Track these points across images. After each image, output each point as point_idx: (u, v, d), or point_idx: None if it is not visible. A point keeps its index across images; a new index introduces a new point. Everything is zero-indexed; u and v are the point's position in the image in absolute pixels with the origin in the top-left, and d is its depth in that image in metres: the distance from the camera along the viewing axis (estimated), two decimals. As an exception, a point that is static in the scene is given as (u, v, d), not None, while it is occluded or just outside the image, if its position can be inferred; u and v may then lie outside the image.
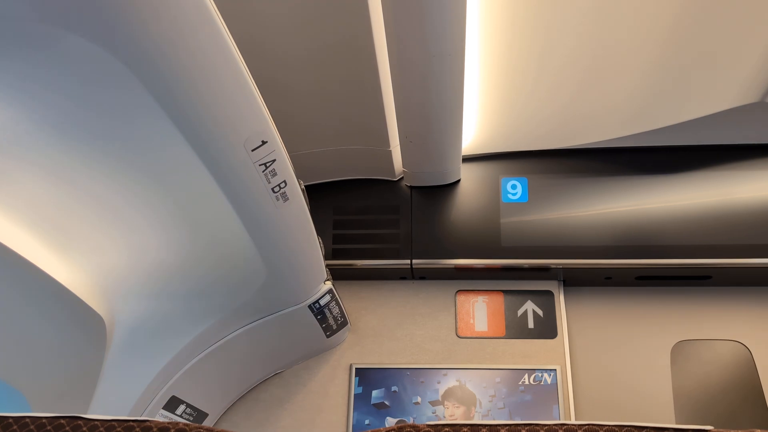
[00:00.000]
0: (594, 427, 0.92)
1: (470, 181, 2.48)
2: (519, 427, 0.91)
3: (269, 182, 1.49)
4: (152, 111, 1.18)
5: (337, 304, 2.25)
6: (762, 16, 1.89)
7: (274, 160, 1.45)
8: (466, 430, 0.91)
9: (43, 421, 0.94)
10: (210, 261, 1.68)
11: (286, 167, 1.52)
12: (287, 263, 1.81)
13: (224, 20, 1.17)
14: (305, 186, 1.73)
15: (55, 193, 1.44)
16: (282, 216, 1.61)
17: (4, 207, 1.44)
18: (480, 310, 2.50)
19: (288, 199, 1.59)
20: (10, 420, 0.94)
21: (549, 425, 0.91)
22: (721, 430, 0.92)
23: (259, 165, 1.43)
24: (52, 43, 1.02)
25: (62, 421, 0.94)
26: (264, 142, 1.39)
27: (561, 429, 0.91)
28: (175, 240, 1.60)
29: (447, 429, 0.92)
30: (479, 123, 2.36)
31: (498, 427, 0.91)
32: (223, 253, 1.67)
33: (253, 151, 1.38)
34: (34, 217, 1.49)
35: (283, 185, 1.54)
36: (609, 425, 0.92)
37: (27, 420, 0.94)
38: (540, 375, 2.36)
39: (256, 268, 1.75)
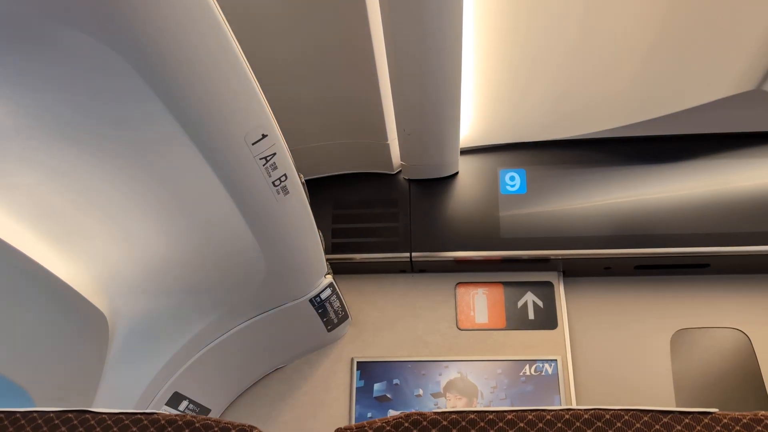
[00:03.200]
0: (600, 411, 0.92)
1: (468, 174, 2.48)
2: (526, 413, 0.92)
3: (270, 176, 1.49)
4: (153, 106, 1.18)
5: (338, 297, 2.25)
6: (757, 4, 1.90)
7: (274, 154, 1.45)
8: (473, 416, 0.92)
9: (51, 415, 0.94)
10: (211, 256, 1.68)
11: (286, 161, 1.52)
12: (288, 257, 1.81)
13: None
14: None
15: (55, 189, 1.44)
16: (282, 209, 1.61)
17: (5, 204, 1.44)
18: (480, 302, 2.51)
19: (288, 192, 1.59)
20: (18, 415, 0.95)
21: (556, 410, 0.92)
22: (725, 412, 0.93)
23: (260, 159, 1.43)
24: (51, 39, 1.02)
25: (70, 415, 0.94)
26: (264, 136, 1.39)
27: (567, 414, 0.92)
28: (176, 235, 1.60)
29: (454, 416, 0.93)
30: (476, 115, 2.36)
31: (505, 413, 0.92)
32: (225, 248, 1.67)
33: (253, 144, 1.38)
34: (34, 214, 1.49)
35: (283, 179, 1.54)
36: (615, 409, 0.92)
37: (35, 414, 0.94)
38: (541, 365, 2.37)
39: (257, 263, 1.75)
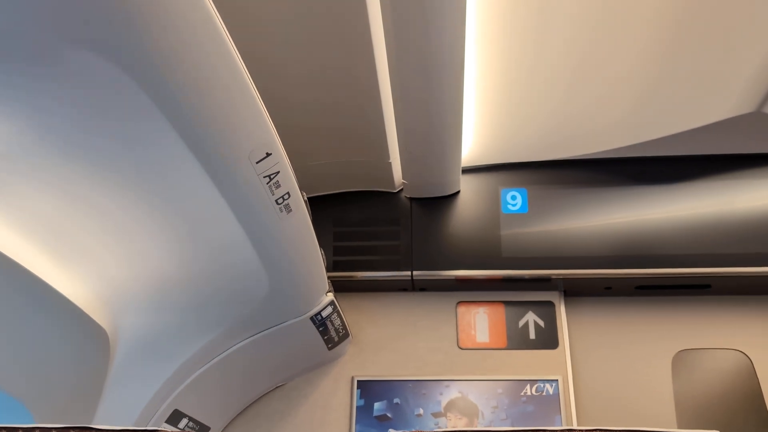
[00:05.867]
0: (601, 432, 0.92)
1: (470, 193, 2.49)
2: (527, 433, 0.92)
3: (273, 194, 1.50)
4: (158, 124, 1.19)
5: (339, 316, 2.25)
6: (757, 27, 1.92)
7: (278, 172, 1.46)
8: (475, 436, 0.92)
9: (53, 431, 0.94)
10: (213, 273, 1.69)
11: (289, 179, 1.53)
12: (290, 274, 1.82)
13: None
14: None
15: (59, 206, 1.44)
16: (285, 227, 1.62)
17: (10, 220, 1.44)
18: (481, 322, 2.51)
19: (291, 210, 1.60)
20: (21, 430, 0.95)
21: (556, 431, 0.92)
22: None
23: (264, 177, 1.44)
24: (60, 57, 1.03)
25: (72, 431, 0.94)
26: (268, 154, 1.41)
27: (569, 434, 0.92)
28: (178, 252, 1.60)
29: (456, 436, 0.93)
30: (478, 134, 2.37)
31: (507, 433, 0.92)
32: (227, 265, 1.68)
33: (257, 163, 1.39)
34: (38, 231, 1.50)
35: (286, 197, 1.55)
36: (615, 430, 0.92)
37: (37, 430, 0.94)
38: (542, 385, 2.36)
39: (259, 280, 1.75)
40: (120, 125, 1.20)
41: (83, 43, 0.99)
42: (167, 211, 1.48)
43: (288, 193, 1.54)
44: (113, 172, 1.35)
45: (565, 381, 2.37)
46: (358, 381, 2.43)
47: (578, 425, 2.31)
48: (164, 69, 1.09)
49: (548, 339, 2.46)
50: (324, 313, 2.14)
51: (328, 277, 2.11)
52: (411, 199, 2.51)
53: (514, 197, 2.46)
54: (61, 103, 1.14)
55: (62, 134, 1.23)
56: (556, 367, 2.40)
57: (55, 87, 1.11)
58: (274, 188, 1.49)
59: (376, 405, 2.39)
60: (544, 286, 2.49)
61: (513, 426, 2.30)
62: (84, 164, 1.33)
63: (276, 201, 1.52)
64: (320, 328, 2.19)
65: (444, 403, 2.37)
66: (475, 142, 2.40)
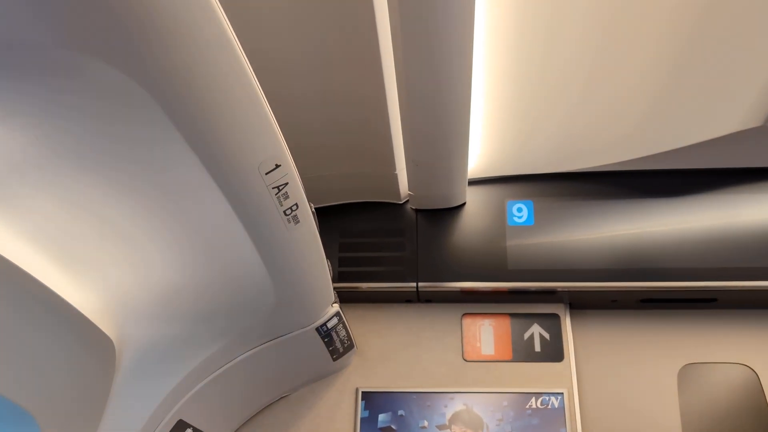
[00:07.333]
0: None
1: (476, 204, 2.49)
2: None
3: (281, 205, 1.51)
4: (170, 136, 1.20)
5: (344, 327, 2.25)
6: (766, 40, 1.92)
7: (286, 183, 1.47)
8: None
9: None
10: (220, 284, 1.69)
11: (298, 190, 1.54)
12: (297, 285, 1.82)
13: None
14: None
15: (68, 216, 1.45)
16: (293, 238, 1.62)
17: (18, 229, 1.45)
18: (486, 334, 2.50)
19: (299, 221, 1.60)
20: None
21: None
22: None
23: (273, 188, 1.44)
24: (76, 69, 1.04)
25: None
26: (278, 166, 1.41)
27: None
28: (186, 263, 1.61)
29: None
30: (485, 146, 2.38)
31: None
32: (234, 276, 1.68)
33: (266, 174, 1.40)
34: (46, 240, 1.50)
35: (294, 208, 1.55)
36: None
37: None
38: (547, 398, 2.35)
39: (266, 291, 1.75)
40: (132, 136, 1.21)
41: (99, 55, 1.00)
42: (176, 221, 1.48)
43: (296, 204, 1.55)
44: (123, 183, 1.36)
45: (571, 394, 2.36)
46: (362, 392, 2.42)
47: (583, 439, 2.30)
48: (179, 82, 1.10)
49: (553, 352, 2.45)
50: (329, 324, 2.14)
51: (334, 288, 2.11)
52: (417, 210, 2.51)
53: (520, 209, 2.46)
54: (75, 114, 1.15)
55: (74, 145, 1.23)
56: (561, 379, 2.40)
57: (69, 98, 1.11)
58: (282, 199, 1.49)
59: (381, 417, 2.38)
60: (550, 299, 2.48)
61: (518, 439, 2.30)
62: (94, 174, 1.33)
63: (284, 212, 1.53)
64: (325, 339, 2.19)
65: (449, 415, 2.36)
66: (481, 154, 2.40)
